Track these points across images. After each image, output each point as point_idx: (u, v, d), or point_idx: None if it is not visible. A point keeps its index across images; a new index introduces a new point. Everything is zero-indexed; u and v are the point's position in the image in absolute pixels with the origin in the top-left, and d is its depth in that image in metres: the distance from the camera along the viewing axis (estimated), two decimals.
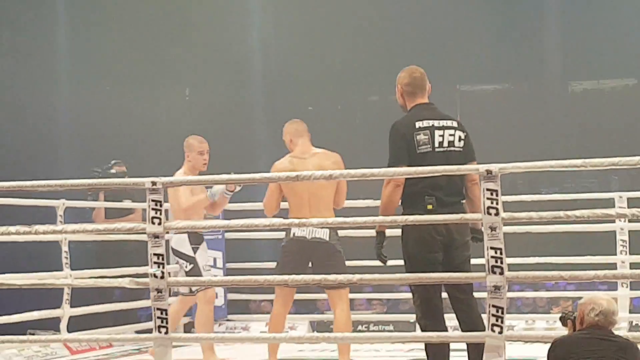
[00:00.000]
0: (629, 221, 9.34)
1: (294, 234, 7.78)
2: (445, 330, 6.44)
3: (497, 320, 6.06)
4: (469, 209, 6.46)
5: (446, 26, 16.81)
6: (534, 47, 17.62)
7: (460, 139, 6.46)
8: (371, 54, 16.77)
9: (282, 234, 8.10)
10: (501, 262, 6.03)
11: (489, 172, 6.06)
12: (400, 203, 6.41)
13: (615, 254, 9.46)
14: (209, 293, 8.44)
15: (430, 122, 6.38)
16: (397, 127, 6.42)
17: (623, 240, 9.44)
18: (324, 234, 7.74)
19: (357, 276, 6.72)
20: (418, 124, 6.37)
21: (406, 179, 6.32)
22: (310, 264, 7.80)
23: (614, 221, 9.39)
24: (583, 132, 16.80)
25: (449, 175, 6.32)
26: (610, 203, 9.36)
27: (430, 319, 6.37)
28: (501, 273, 6.03)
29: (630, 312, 9.77)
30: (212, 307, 8.52)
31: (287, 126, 8.10)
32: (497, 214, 6.02)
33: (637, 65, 17.47)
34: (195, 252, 8.50)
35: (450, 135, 6.44)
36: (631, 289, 9.84)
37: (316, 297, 11.45)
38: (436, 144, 6.38)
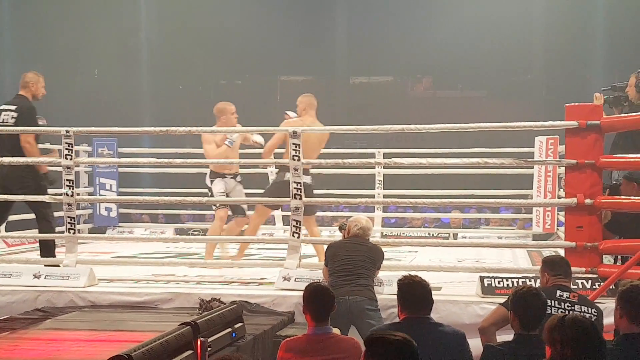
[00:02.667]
0: (383, 167, 9.36)
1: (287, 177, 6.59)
2: None
3: (296, 230, 6.08)
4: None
5: (269, 29, 16.70)
6: (329, 49, 17.73)
7: (12, 117, 6.62)
8: (222, 48, 16.58)
9: None
10: (300, 192, 6.04)
11: (295, 132, 6.04)
12: None
13: (374, 189, 9.56)
14: (220, 213, 7.54)
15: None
16: None
17: (379, 180, 9.52)
18: (308, 179, 6.71)
19: None
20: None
21: None
22: None
23: (374, 167, 9.38)
24: (358, 111, 17.03)
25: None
26: (372, 155, 9.43)
27: None
28: (300, 198, 6.05)
29: (382, 226, 9.90)
30: (221, 223, 7.53)
31: (302, 98, 7.12)
32: (299, 160, 6.01)
33: (392, 67, 17.82)
34: (211, 183, 7.47)
35: (6, 115, 6.61)
36: (383, 212, 10.01)
37: (180, 212, 11.30)
38: (0, 120, 6.60)
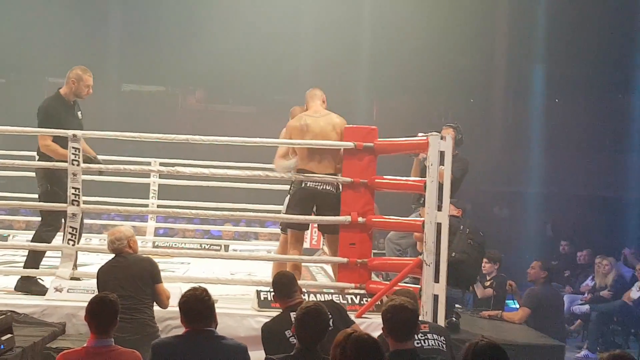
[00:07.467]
0: (159, 177, 8.95)
1: (305, 184, 5.99)
2: None
3: (72, 237, 5.78)
4: None
5: (36, 26, 15.78)
6: (101, 54, 17.06)
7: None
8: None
9: None
10: (79, 198, 5.74)
11: (74, 135, 5.75)
12: None
13: (149, 198, 9.11)
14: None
15: None
16: None
17: (154, 190, 9.07)
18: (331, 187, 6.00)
19: None
20: None
21: None
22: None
23: (149, 175, 8.86)
24: (129, 118, 16.54)
25: None
26: (148, 164, 8.96)
27: None
28: (78, 205, 5.75)
29: (155, 235, 9.52)
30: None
31: (307, 92, 6.26)
32: (78, 165, 5.73)
33: (165, 77, 17.63)
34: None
35: None
36: (156, 222, 9.62)
37: None
38: None
